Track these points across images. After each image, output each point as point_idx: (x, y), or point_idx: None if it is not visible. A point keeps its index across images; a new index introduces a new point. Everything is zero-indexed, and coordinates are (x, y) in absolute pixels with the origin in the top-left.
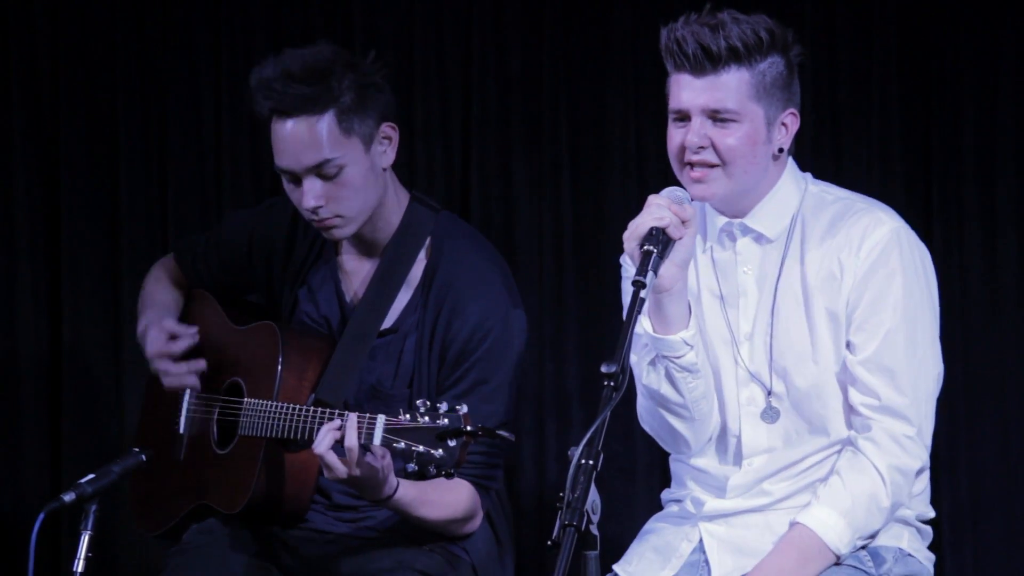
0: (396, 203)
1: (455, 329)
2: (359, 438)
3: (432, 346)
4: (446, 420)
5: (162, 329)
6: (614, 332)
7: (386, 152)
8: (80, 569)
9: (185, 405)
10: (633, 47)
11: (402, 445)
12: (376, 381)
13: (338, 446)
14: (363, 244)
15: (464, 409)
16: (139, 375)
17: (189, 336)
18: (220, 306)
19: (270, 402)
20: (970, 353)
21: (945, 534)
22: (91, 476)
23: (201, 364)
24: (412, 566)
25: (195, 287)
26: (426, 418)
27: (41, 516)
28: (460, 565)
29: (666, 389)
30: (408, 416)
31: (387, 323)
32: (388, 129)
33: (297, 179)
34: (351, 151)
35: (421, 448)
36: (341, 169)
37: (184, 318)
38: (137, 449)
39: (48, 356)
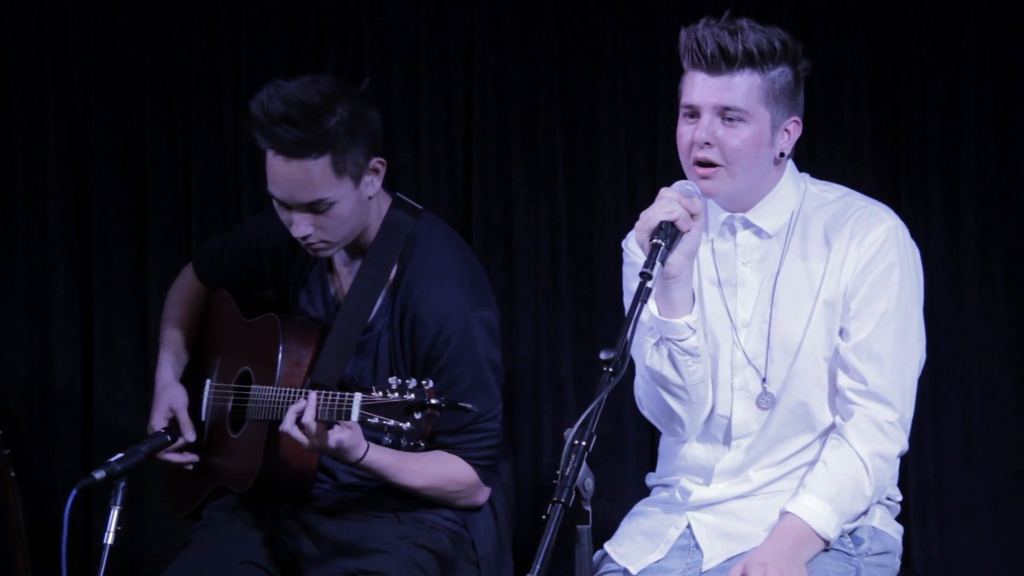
0: (378, 211)
1: (417, 336)
2: (338, 416)
3: (403, 347)
4: (412, 395)
5: (169, 413)
6: (605, 322)
7: (373, 183)
8: (110, 541)
9: (206, 396)
10: (623, 61)
11: (376, 420)
12: (358, 376)
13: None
14: (349, 247)
15: (430, 384)
16: None
17: (188, 431)
18: (235, 302)
19: (271, 388)
20: (935, 339)
21: (912, 507)
22: (120, 455)
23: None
24: (414, 540)
25: (215, 289)
26: (396, 394)
27: (74, 492)
28: (460, 542)
29: (668, 371)
30: (381, 393)
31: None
32: (377, 164)
33: (287, 207)
34: (342, 189)
35: (391, 422)
36: (331, 205)
37: (203, 319)
38: (162, 430)
39: (80, 345)
